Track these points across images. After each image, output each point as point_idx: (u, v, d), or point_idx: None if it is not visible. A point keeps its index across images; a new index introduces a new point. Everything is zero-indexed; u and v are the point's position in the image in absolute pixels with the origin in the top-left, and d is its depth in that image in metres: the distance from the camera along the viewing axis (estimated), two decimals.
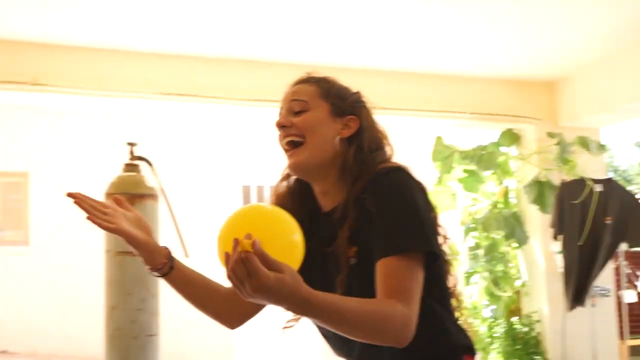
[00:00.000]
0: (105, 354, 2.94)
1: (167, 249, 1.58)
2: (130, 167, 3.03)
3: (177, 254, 1.65)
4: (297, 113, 1.65)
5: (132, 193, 2.91)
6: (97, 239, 2.79)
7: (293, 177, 1.75)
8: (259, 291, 1.27)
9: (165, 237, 3.02)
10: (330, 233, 1.61)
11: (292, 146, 1.65)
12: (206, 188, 8.28)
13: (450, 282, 1.66)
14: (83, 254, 8.13)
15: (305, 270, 1.69)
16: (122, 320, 2.82)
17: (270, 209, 1.46)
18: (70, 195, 1.48)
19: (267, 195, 8.38)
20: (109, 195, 2.97)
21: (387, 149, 1.71)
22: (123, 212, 1.54)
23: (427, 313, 1.53)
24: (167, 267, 1.57)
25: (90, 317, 7.75)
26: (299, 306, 1.33)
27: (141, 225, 1.56)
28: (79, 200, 1.49)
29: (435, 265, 1.55)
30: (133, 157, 3.06)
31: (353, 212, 1.56)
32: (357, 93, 1.73)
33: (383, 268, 1.47)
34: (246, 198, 8.43)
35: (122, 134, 4.34)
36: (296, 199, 1.73)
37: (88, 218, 1.46)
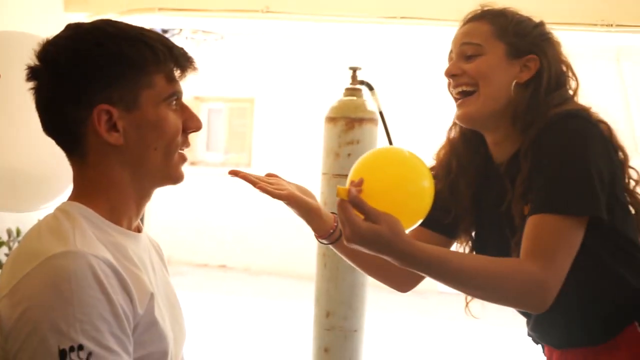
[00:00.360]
0: (316, 273, 3.03)
1: (335, 215, 1.53)
2: (352, 91, 3.04)
3: None
4: (469, 58, 1.50)
5: (352, 117, 2.92)
6: (315, 162, 2.85)
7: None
8: (352, 240, 1.27)
9: None
10: (504, 189, 1.47)
11: (463, 95, 1.51)
12: (423, 113, 8.22)
13: None
14: (301, 176, 8.48)
15: (481, 232, 1.59)
16: None
17: (402, 154, 1.37)
18: (233, 173, 1.48)
19: None
20: (329, 119, 3.01)
21: (571, 84, 1.53)
22: (287, 181, 1.52)
23: (614, 281, 1.41)
24: (337, 232, 1.53)
25: (304, 237, 8.15)
26: (401, 258, 1.28)
27: (306, 193, 1.53)
28: (243, 175, 1.48)
29: (621, 224, 1.40)
30: (355, 82, 3.05)
31: (525, 164, 1.41)
32: (540, 25, 1.53)
33: (533, 225, 1.34)
34: None
35: (345, 59, 4.37)
36: (469, 147, 1.60)
37: (258, 187, 1.45)
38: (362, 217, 1.28)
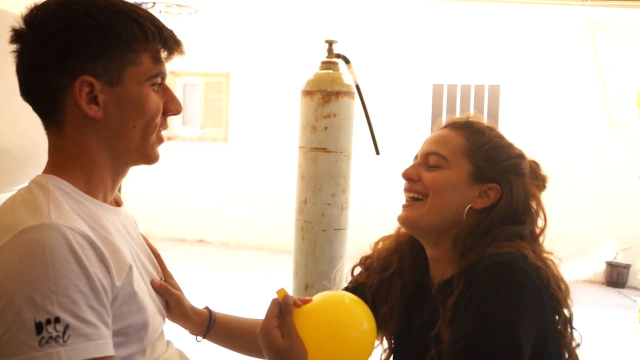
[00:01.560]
0: (294, 246, 3.05)
1: (208, 310, 1.54)
2: (328, 64, 3.03)
3: None
4: (431, 167, 1.44)
5: (328, 90, 2.92)
6: (292, 136, 2.85)
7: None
8: (259, 335, 1.29)
9: (358, 134, 3.04)
10: (436, 311, 1.39)
11: (412, 201, 1.46)
12: (398, 86, 8.24)
13: None
14: (278, 150, 8.50)
15: (405, 344, 1.54)
16: (312, 214, 2.90)
17: (342, 302, 1.37)
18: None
19: (459, 94, 8.15)
20: (305, 92, 3.01)
21: (539, 223, 1.47)
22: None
23: None
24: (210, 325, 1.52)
25: (281, 211, 8.20)
26: None
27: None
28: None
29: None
30: (331, 55, 3.05)
31: (457, 291, 1.34)
32: (516, 158, 1.47)
33: None
34: (437, 96, 8.25)
35: (321, 32, 4.35)
36: (415, 251, 1.54)
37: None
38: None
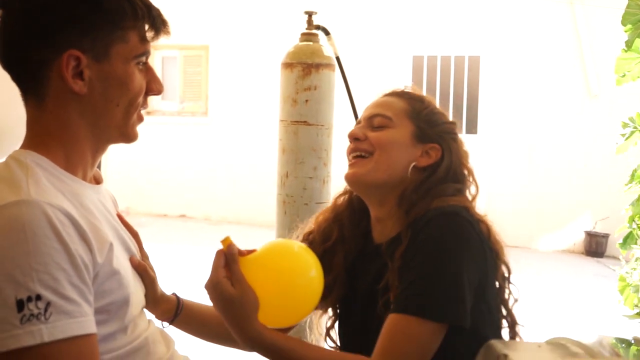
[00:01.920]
0: (276, 220, 3.04)
1: (175, 296, 1.54)
2: (308, 36, 3.00)
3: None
4: (376, 128, 1.51)
5: (308, 62, 2.89)
6: (273, 109, 2.82)
7: (355, 194, 1.60)
8: (207, 288, 1.31)
9: (339, 107, 3.02)
10: (384, 267, 1.44)
11: (358, 159, 1.51)
12: (378, 57, 8.21)
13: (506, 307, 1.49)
14: (258, 124, 8.46)
15: (349, 308, 1.57)
16: (293, 188, 2.88)
17: (290, 249, 1.40)
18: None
19: (439, 66, 8.16)
20: (285, 65, 2.98)
21: (471, 190, 1.54)
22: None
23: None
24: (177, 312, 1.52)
25: (263, 185, 8.19)
26: (241, 335, 1.30)
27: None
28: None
29: (484, 327, 1.39)
30: (311, 26, 3.02)
31: (405, 241, 1.40)
32: (451, 124, 1.56)
33: (391, 324, 1.31)
34: (417, 68, 8.24)
35: (299, 3, 4.30)
36: (354, 218, 1.59)
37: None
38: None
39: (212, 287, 1.30)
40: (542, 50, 7.85)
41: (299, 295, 1.35)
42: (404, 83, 1.68)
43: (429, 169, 1.50)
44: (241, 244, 1.38)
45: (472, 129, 8.19)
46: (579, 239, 7.84)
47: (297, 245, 1.43)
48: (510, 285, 1.49)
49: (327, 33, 3.02)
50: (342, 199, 1.65)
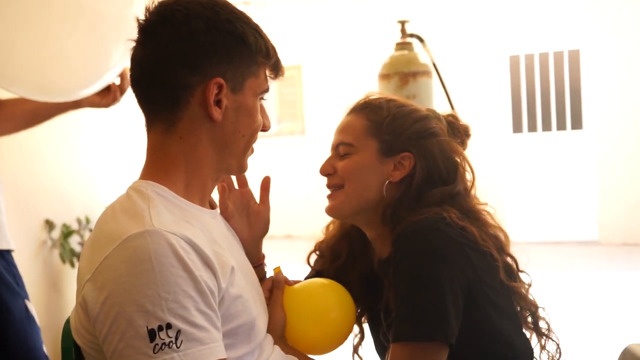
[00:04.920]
0: None
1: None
2: (402, 45, 2.98)
3: None
4: (342, 157, 1.48)
5: (405, 72, 2.87)
6: None
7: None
8: None
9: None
10: (383, 287, 1.44)
11: (333, 191, 1.50)
12: (474, 60, 8.05)
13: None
14: None
15: (370, 325, 1.60)
16: None
17: (328, 284, 1.47)
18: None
19: (537, 64, 7.94)
20: (382, 76, 2.97)
21: (463, 182, 1.46)
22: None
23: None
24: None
25: None
26: None
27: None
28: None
29: (496, 325, 1.37)
30: (404, 35, 3.00)
31: (392, 264, 1.38)
32: (422, 120, 1.47)
33: (392, 354, 1.32)
34: (514, 68, 8.03)
35: (390, 13, 4.28)
36: (360, 231, 1.56)
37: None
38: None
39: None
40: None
41: (329, 327, 1.43)
42: (369, 89, 1.63)
43: (407, 179, 1.45)
44: None
45: (577, 125, 7.89)
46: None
47: (335, 284, 1.48)
48: (519, 273, 1.46)
49: (421, 40, 3.00)
50: (340, 226, 1.64)
